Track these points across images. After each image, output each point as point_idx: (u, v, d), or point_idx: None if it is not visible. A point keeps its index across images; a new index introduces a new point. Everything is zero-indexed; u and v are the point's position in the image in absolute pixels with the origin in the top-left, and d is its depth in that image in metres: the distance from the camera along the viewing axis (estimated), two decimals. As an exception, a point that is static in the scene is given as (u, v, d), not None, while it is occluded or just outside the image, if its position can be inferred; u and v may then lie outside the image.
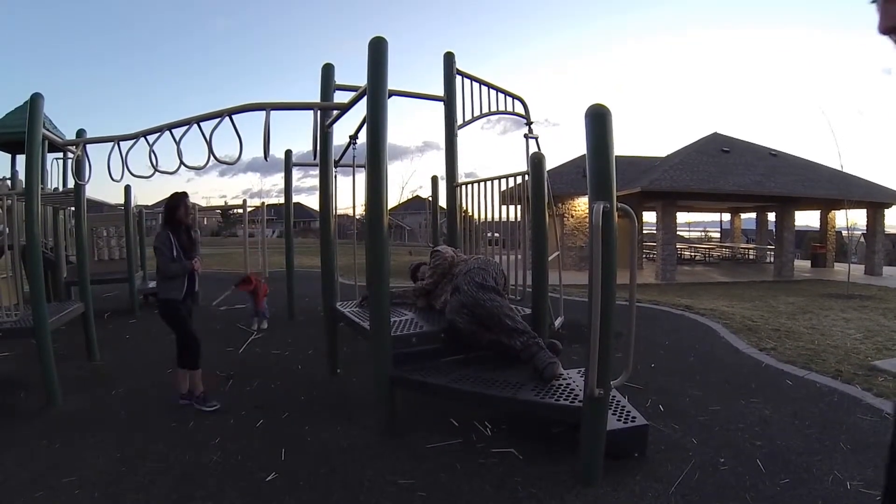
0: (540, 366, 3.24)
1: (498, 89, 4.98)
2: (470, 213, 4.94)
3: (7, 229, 5.00)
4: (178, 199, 3.93)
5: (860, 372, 4.66)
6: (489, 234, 5.07)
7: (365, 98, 3.33)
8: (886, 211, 16.84)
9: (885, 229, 17.42)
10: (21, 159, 7.50)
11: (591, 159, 2.58)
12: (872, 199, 15.89)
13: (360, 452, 3.11)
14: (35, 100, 4.01)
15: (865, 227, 17.44)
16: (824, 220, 18.77)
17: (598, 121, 2.56)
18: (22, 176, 4.77)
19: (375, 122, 3.23)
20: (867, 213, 16.83)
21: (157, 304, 3.88)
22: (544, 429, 3.32)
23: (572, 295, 8.02)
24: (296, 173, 8.61)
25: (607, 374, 2.59)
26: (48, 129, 4.19)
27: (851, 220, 16.42)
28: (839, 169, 14.38)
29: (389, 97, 3.36)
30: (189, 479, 2.79)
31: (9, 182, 7.96)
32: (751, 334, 6.39)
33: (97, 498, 2.60)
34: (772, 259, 17.47)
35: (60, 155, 7.47)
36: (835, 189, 14.61)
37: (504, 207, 4.52)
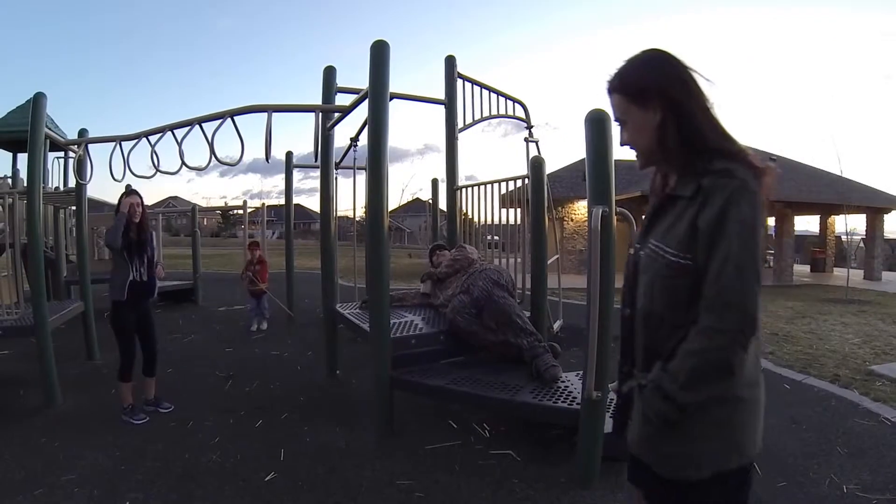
0: (542, 367, 3.28)
1: (499, 93, 4.99)
2: (470, 216, 4.95)
3: (8, 228, 5.01)
4: (120, 198, 3.66)
5: (858, 376, 4.68)
6: (489, 237, 5.08)
7: (366, 101, 3.35)
8: (886, 216, 16.83)
9: (885, 234, 17.41)
10: (22, 158, 7.53)
11: (590, 164, 2.61)
12: (872, 204, 15.88)
13: (358, 453, 3.12)
14: (38, 99, 4.03)
15: (865, 232, 17.43)
16: (824, 224, 18.77)
17: (598, 126, 2.59)
18: (24, 175, 4.78)
19: (377, 125, 3.25)
20: (866, 218, 16.82)
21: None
22: (542, 431, 3.33)
23: (571, 298, 8.02)
24: (296, 175, 8.60)
25: (605, 376, 2.60)
26: (50, 129, 4.20)
27: (851, 225, 16.39)
28: (838, 174, 14.41)
29: (390, 100, 3.38)
30: (188, 479, 2.80)
31: (10, 180, 7.97)
32: (749, 338, 6.39)
33: (96, 496, 2.61)
34: (771, 263, 17.45)
35: (62, 154, 7.47)
36: (834, 194, 14.59)
37: (504, 211, 4.54)
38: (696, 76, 1.20)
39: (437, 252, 4.64)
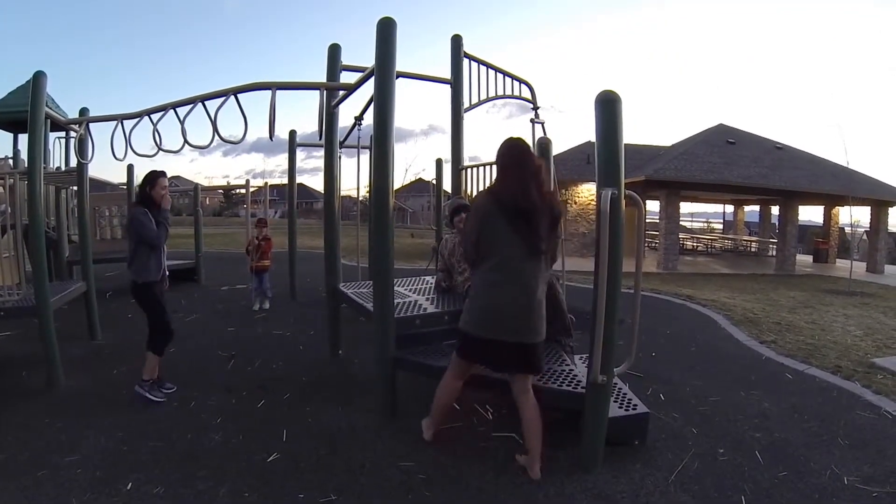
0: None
1: (505, 73, 4.92)
2: (474, 197, 4.89)
3: (9, 208, 4.97)
4: (152, 179, 3.68)
5: (860, 368, 4.67)
6: None
7: (372, 79, 3.30)
8: (890, 209, 16.74)
9: (889, 227, 17.32)
10: (23, 138, 7.47)
11: (600, 146, 2.56)
12: (877, 196, 15.78)
13: (361, 434, 3.12)
14: (38, 78, 3.97)
15: (869, 225, 17.36)
16: (828, 215, 18.68)
17: (609, 107, 2.54)
18: (24, 155, 4.73)
19: (383, 103, 3.20)
20: (871, 210, 16.73)
21: (130, 288, 3.66)
22: (546, 414, 3.33)
23: (574, 281, 8.00)
24: (299, 154, 8.60)
25: (611, 361, 2.59)
26: (51, 108, 4.14)
27: (855, 216, 16.29)
28: (844, 165, 14.30)
29: (396, 79, 3.32)
30: (191, 459, 2.81)
31: (11, 161, 7.92)
32: (751, 326, 6.40)
33: (99, 477, 2.61)
34: (774, 252, 17.40)
35: (63, 134, 7.41)
36: (839, 185, 14.51)
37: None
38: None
39: (464, 213, 4.28)
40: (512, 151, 2.62)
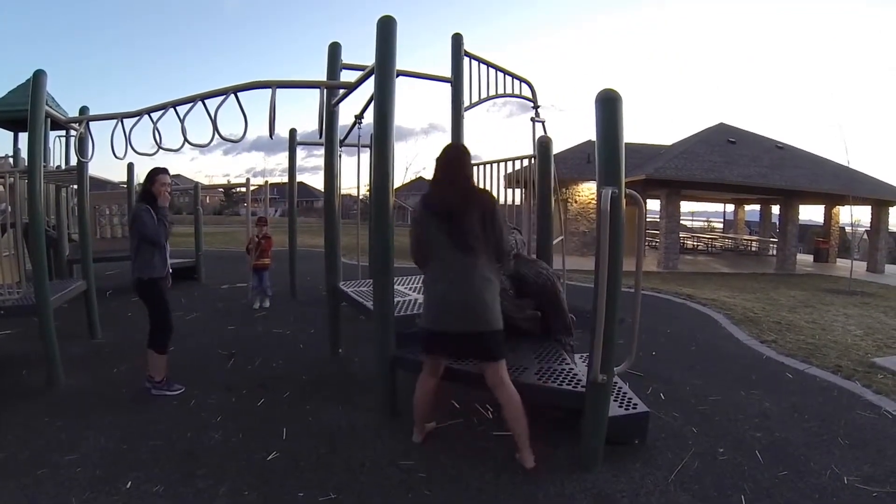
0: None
1: (505, 72, 4.91)
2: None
3: (10, 207, 4.97)
4: (152, 175, 3.70)
5: (860, 368, 4.66)
6: None
7: (372, 77, 3.29)
8: (891, 208, 16.72)
9: (889, 227, 17.30)
10: (24, 137, 7.45)
11: (600, 144, 2.56)
12: (877, 196, 15.75)
13: (360, 433, 3.12)
14: (38, 77, 3.96)
15: (869, 224, 17.34)
16: (828, 215, 18.66)
17: (609, 105, 2.53)
18: (25, 154, 4.73)
19: (383, 101, 3.19)
20: (872, 210, 16.70)
21: (134, 285, 3.67)
22: (545, 413, 3.33)
23: (574, 280, 8.00)
24: (299, 153, 8.58)
25: (611, 359, 2.59)
26: (51, 107, 4.14)
27: (855, 216, 16.28)
28: (845, 164, 14.27)
29: (396, 77, 3.32)
30: (190, 458, 2.81)
31: (11, 160, 7.91)
32: (752, 326, 6.39)
33: (98, 476, 2.61)
34: (774, 252, 17.39)
35: (63, 132, 7.40)
36: (840, 184, 14.50)
37: (510, 191, 4.48)
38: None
39: None
40: (440, 157, 2.83)
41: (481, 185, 4.62)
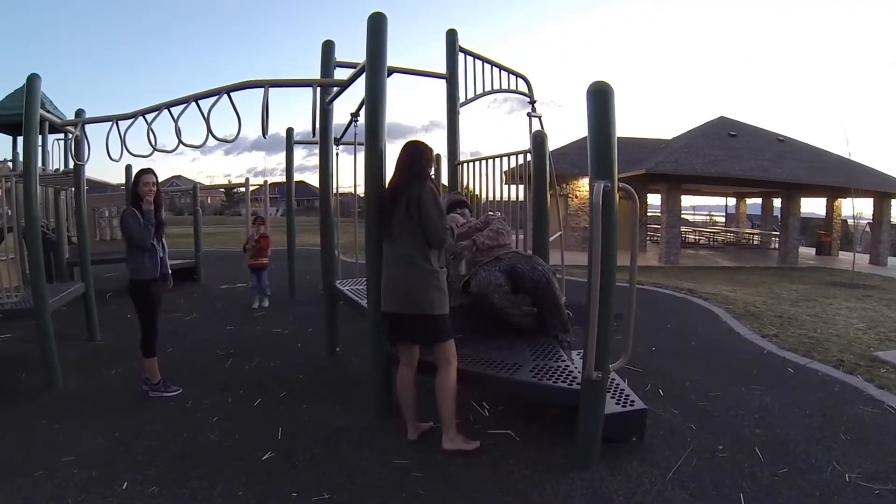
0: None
1: (501, 67, 4.88)
2: (471, 192, 4.88)
3: (9, 211, 4.97)
4: (136, 176, 3.71)
5: (862, 362, 4.61)
6: (490, 213, 5.07)
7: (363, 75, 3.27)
8: (893, 201, 16.63)
9: (892, 219, 17.21)
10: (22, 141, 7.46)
11: (592, 138, 2.53)
12: (880, 188, 15.65)
13: (356, 432, 3.11)
14: (32, 81, 3.97)
15: (871, 217, 17.25)
16: (830, 208, 18.57)
17: (600, 98, 2.50)
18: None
19: (374, 99, 3.17)
20: (874, 202, 16.62)
21: (128, 286, 3.68)
22: (542, 411, 3.31)
23: (574, 275, 7.97)
24: (300, 152, 8.63)
25: (606, 356, 2.56)
26: (47, 110, 4.14)
27: (858, 209, 16.19)
28: (847, 157, 14.18)
29: (390, 74, 3.30)
30: (186, 459, 2.80)
31: (10, 164, 7.93)
32: (753, 320, 6.36)
33: (94, 477, 2.61)
34: (776, 245, 17.33)
35: (61, 136, 7.41)
36: (842, 177, 14.41)
37: (506, 186, 4.45)
38: None
39: (458, 210, 4.20)
40: (399, 154, 3.02)
41: (478, 182, 4.59)
